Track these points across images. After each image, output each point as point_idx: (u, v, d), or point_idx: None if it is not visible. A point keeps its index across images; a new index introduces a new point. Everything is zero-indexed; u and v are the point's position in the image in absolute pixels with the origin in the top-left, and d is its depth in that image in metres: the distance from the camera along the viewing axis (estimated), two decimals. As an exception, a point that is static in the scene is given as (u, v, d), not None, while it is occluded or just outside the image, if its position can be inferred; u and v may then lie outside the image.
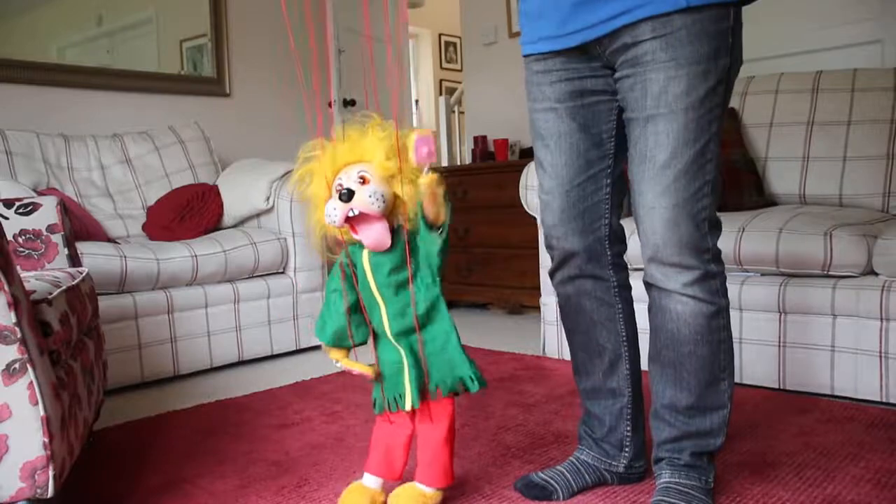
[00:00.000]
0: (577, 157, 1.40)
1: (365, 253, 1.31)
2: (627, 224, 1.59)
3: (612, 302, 1.47)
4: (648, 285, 1.36)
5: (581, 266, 1.45)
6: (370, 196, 1.24)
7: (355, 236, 1.29)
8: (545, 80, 1.41)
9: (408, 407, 1.34)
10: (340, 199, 1.24)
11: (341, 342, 1.38)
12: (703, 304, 1.30)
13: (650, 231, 1.30)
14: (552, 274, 1.51)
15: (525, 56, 1.45)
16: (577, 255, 1.44)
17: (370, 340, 1.38)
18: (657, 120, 1.26)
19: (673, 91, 1.24)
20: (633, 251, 1.52)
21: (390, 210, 1.29)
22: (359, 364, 1.36)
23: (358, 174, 1.26)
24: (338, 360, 1.38)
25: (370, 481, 1.41)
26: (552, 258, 1.49)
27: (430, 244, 1.28)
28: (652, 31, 1.24)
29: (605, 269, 1.46)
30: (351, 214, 1.25)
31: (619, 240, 1.48)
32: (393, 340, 1.34)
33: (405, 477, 1.42)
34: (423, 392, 1.34)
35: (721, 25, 1.24)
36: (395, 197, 1.29)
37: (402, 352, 1.34)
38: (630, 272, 1.54)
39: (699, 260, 1.29)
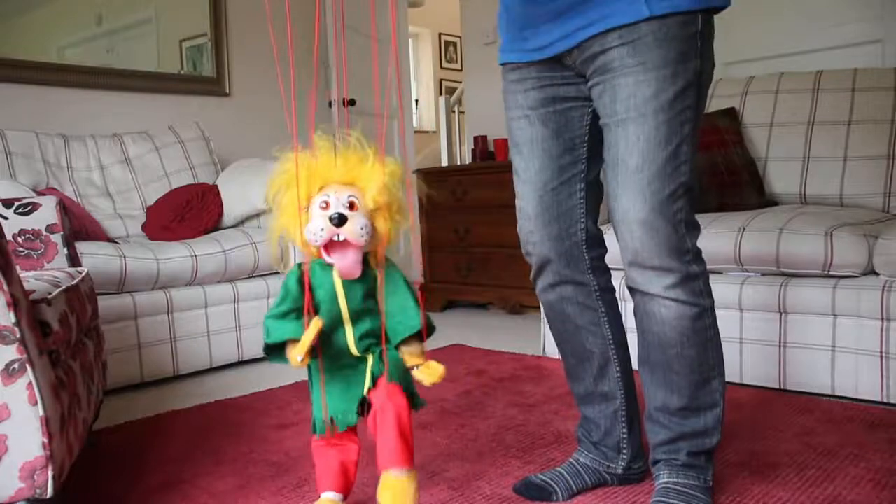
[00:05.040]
0: (550, 162, 1.42)
1: (337, 278, 1.28)
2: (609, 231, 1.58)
3: (595, 306, 1.47)
4: (631, 289, 1.36)
5: (559, 272, 1.45)
6: (361, 228, 1.22)
7: (327, 258, 1.26)
8: (519, 89, 1.43)
9: (365, 390, 1.29)
10: (331, 221, 1.22)
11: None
12: (686, 306, 1.30)
13: (628, 235, 1.30)
14: (534, 280, 1.51)
15: (501, 65, 1.47)
16: (554, 261, 1.44)
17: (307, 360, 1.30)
18: (627, 124, 1.27)
19: (641, 95, 1.25)
20: (614, 254, 1.52)
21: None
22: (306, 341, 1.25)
23: (348, 198, 1.24)
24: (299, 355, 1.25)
25: (332, 497, 1.36)
26: (530, 264, 1.50)
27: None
28: (619, 38, 1.26)
29: (585, 273, 1.46)
30: (336, 239, 1.23)
31: (597, 244, 1.48)
32: (357, 354, 1.32)
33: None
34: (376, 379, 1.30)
35: (688, 30, 1.25)
36: (373, 229, 1.26)
37: (368, 357, 1.32)
38: (613, 272, 1.53)
39: (680, 262, 1.29)
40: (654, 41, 1.24)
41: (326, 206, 1.24)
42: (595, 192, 1.46)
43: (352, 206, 1.24)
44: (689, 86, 1.26)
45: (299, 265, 1.31)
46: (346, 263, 1.25)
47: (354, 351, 1.32)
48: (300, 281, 1.29)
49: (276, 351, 1.28)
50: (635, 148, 1.26)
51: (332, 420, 1.33)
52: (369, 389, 1.30)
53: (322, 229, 1.23)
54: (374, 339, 1.32)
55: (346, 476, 1.38)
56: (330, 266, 1.28)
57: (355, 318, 1.31)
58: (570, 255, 1.44)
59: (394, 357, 1.32)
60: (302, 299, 1.28)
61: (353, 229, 1.22)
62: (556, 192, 1.42)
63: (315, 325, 1.22)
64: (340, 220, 1.21)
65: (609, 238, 1.50)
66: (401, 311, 1.29)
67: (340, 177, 1.27)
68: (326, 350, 1.33)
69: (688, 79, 1.26)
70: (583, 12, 1.28)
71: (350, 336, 1.31)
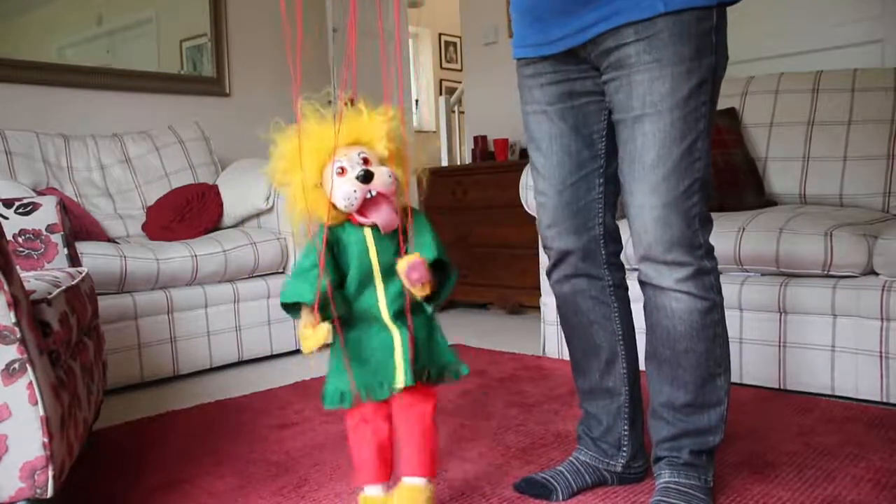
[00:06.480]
0: (569, 157, 1.42)
1: (368, 233, 1.27)
2: (624, 225, 1.59)
3: (608, 301, 1.48)
4: (643, 284, 1.37)
5: (576, 265, 1.46)
6: (389, 176, 1.22)
7: (365, 220, 1.25)
8: (535, 84, 1.43)
9: (399, 384, 1.27)
10: (359, 180, 1.21)
11: (320, 309, 1.24)
12: (697, 299, 1.31)
13: (641, 230, 1.31)
14: (549, 273, 1.52)
15: (516, 59, 1.47)
16: (572, 254, 1.45)
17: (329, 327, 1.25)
18: (643, 120, 1.27)
19: (658, 91, 1.25)
20: (629, 252, 1.54)
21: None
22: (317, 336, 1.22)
23: (360, 156, 1.24)
24: (307, 329, 1.22)
25: (375, 491, 1.33)
26: (548, 258, 1.51)
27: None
28: (635, 33, 1.25)
29: (600, 268, 1.47)
30: (368, 196, 1.22)
31: (614, 239, 1.48)
32: (389, 322, 1.29)
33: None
34: (414, 374, 1.27)
35: (703, 26, 1.25)
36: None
37: (397, 334, 1.28)
38: (627, 271, 1.54)
39: (692, 256, 1.30)
40: (669, 37, 1.23)
41: (343, 171, 1.23)
42: (613, 188, 1.46)
43: (366, 161, 1.24)
44: (704, 82, 1.26)
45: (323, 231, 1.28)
46: (385, 217, 1.24)
47: (385, 315, 1.28)
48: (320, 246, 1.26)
49: (292, 308, 1.26)
50: (651, 144, 1.27)
51: (364, 392, 1.28)
52: (405, 384, 1.27)
53: (354, 191, 1.22)
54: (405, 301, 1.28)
55: (385, 460, 1.32)
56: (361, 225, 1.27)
57: (386, 276, 1.28)
58: (588, 249, 1.45)
59: (424, 336, 1.30)
60: (326, 253, 1.25)
61: (383, 180, 1.22)
62: (575, 187, 1.43)
63: (323, 329, 1.20)
64: (367, 177, 1.21)
65: (623, 232, 1.51)
66: (418, 247, 1.25)
67: (343, 140, 1.25)
68: (354, 313, 1.30)
69: (703, 75, 1.26)
70: (598, 6, 1.28)
71: (381, 297, 1.28)
